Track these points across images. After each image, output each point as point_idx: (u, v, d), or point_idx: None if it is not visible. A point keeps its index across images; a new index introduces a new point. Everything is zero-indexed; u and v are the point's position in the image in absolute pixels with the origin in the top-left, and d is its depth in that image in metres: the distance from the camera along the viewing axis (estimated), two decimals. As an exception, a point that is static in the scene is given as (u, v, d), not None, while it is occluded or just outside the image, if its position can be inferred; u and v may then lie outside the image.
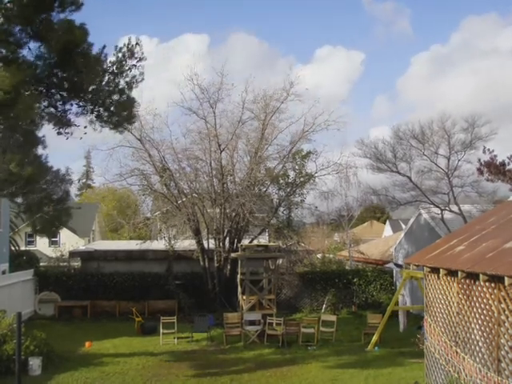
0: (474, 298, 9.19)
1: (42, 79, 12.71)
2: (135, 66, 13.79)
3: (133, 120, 15.31)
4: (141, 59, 13.76)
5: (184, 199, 23.40)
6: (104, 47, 13.18)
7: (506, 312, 8.27)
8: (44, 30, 11.68)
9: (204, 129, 23.23)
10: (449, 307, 10.11)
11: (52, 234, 20.15)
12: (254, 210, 22.28)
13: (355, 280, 24.39)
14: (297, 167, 24.15)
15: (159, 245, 24.09)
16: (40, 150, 14.32)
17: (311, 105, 22.80)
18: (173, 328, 17.54)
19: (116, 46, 13.59)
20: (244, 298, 18.77)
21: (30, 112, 11.30)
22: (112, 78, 13.55)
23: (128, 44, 13.64)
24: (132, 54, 13.64)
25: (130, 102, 14.05)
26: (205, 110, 22.98)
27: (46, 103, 13.21)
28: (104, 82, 13.47)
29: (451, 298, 10.00)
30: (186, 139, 23.50)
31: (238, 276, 19.62)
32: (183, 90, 22.75)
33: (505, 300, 8.29)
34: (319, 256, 30.03)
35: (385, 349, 16.27)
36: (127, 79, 13.76)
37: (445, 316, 10.28)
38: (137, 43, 13.72)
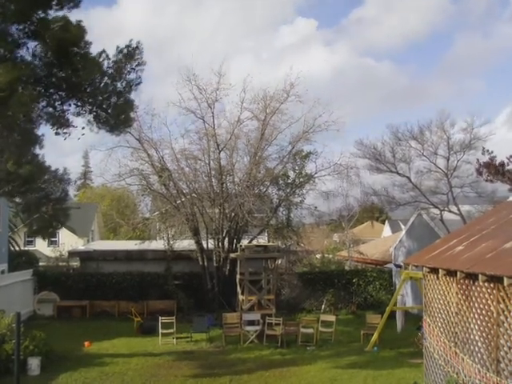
0: (473, 299, 9.17)
1: (41, 79, 12.68)
2: (134, 69, 13.75)
3: (130, 123, 15.25)
4: (140, 63, 13.73)
5: (183, 199, 23.37)
6: (103, 51, 13.16)
7: (505, 312, 8.26)
8: (41, 28, 11.64)
9: (202, 129, 23.23)
10: (448, 307, 10.09)
11: (49, 235, 20.03)
12: (254, 210, 22.24)
13: (355, 280, 24.37)
14: (297, 168, 24.13)
15: (158, 245, 24.05)
16: (37, 150, 14.31)
17: (311, 105, 22.82)
18: (172, 328, 17.52)
19: (117, 47, 13.57)
20: (243, 298, 18.76)
21: (24, 108, 11.23)
22: (110, 79, 13.52)
23: (128, 46, 13.60)
24: (132, 57, 13.60)
25: (128, 105, 13.99)
26: (203, 109, 22.97)
27: (44, 103, 13.18)
28: (102, 84, 13.43)
29: (450, 298, 9.98)
30: (184, 139, 23.52)
31: (237, 276, 19.60)
32: (181, 91, 22.72)
33: (504, 300, 8.28)
34: (318, 256, 30.04)
35: (384, 349, 16.24)
36: (125, 82, 13.72)
37: (444, 316, 10.26)
38: (137, 46, 13.69)
